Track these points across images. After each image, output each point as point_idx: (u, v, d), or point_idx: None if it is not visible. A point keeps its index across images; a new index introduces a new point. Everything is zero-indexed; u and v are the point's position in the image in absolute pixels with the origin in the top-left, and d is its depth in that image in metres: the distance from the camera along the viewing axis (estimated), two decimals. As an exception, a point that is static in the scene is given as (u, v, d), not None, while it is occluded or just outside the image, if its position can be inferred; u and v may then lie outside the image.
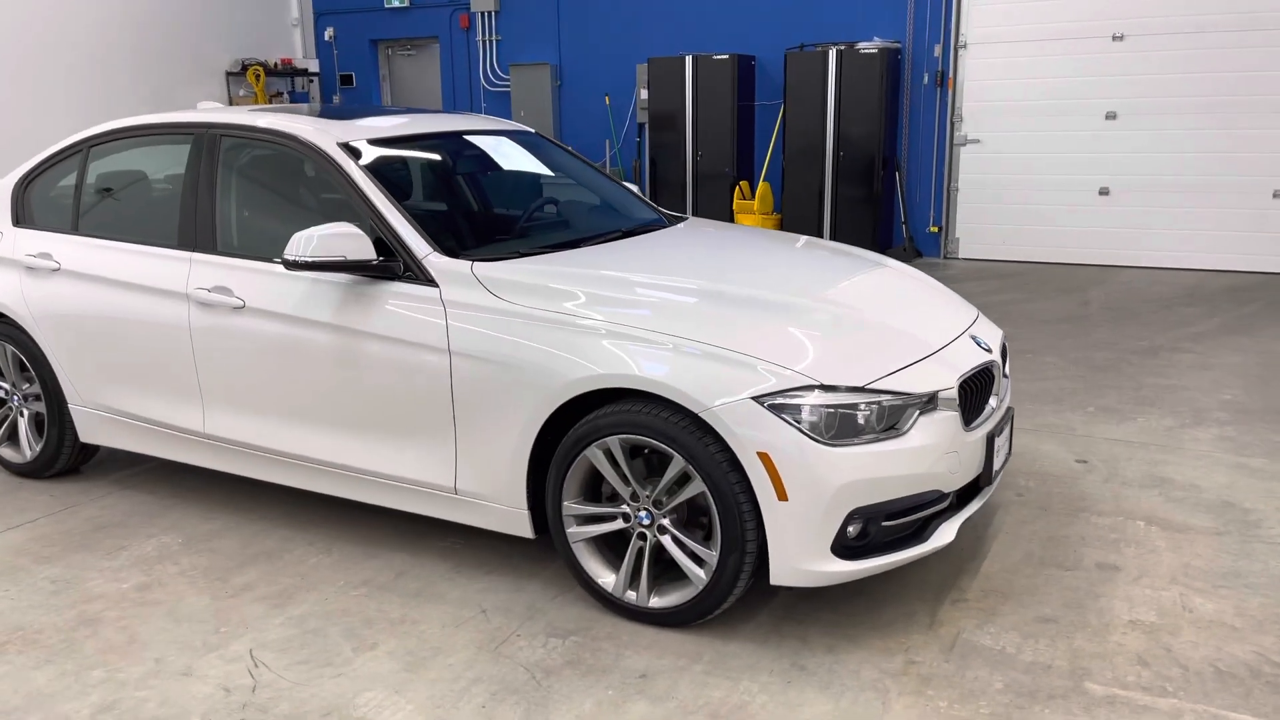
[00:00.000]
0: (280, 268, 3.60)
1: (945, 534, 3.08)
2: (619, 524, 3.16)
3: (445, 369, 3.29)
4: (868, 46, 9.43)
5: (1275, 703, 2.67)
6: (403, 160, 4.07)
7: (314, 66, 12.69)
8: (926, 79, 9.65)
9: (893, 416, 2.93)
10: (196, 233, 3.89)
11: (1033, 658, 2.91)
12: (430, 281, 3.37)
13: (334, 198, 3.73)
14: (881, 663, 2.92)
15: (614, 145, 11.38)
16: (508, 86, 11.82)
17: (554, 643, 3.07)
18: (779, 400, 2.85)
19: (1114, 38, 8.91)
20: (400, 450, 3.47)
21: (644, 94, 10.76)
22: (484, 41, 11.93)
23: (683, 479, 3.01)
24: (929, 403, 3.01)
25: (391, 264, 3.41)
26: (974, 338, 3.40)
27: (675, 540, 3.07)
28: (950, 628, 3.09)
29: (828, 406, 2.85)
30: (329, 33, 12.82)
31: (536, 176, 4.48)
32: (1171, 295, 7.97)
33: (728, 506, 2.91)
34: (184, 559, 3.71)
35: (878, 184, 9.65)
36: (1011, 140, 9.46)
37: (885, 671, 2.88)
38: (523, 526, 3.31)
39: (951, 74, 9.55)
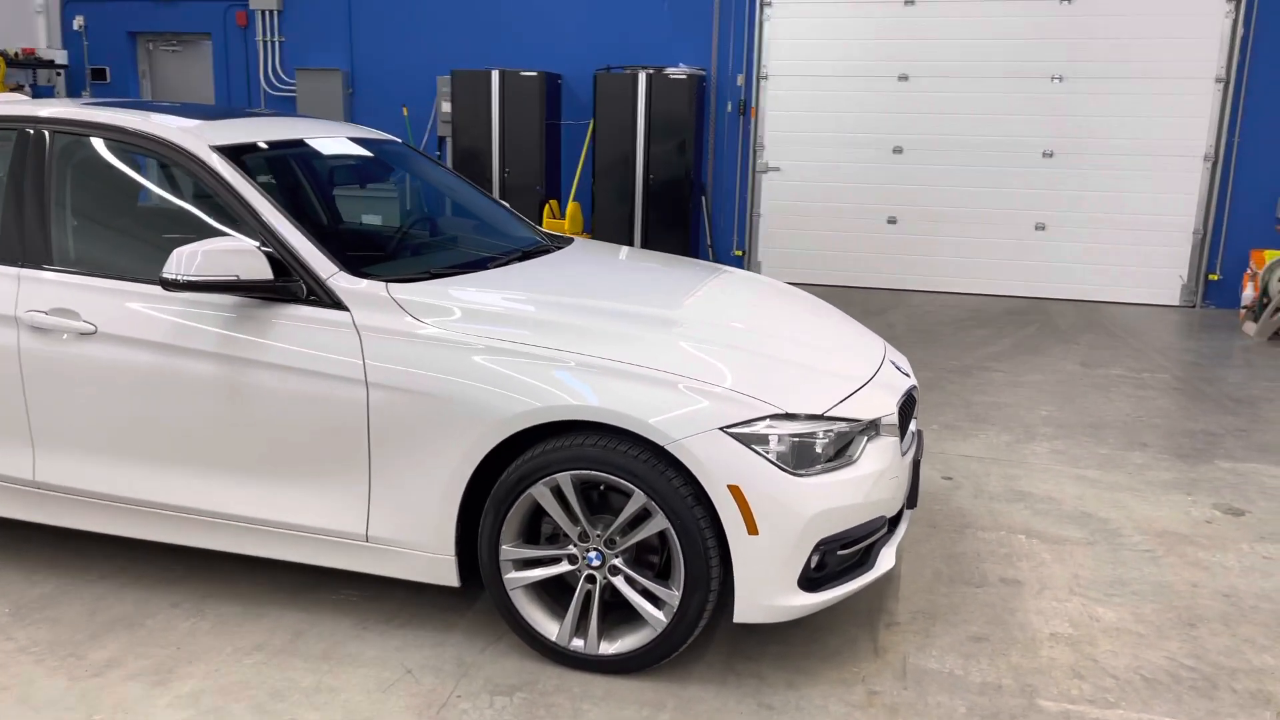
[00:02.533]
0: (146, 288, 3.12)
1: (887, 559, 3.10)
2: (565, 566, 2.94)
3: (359, 403, 2.95)
4: (676, 72, 9.60)
5: (1205, 706, 2.87)
6: (289, 169, 3.65)
7: (61, 58, 11.34)
8: (730, 107, 9.94)
9: (841, 444, 2.91)
10: (25, 245, 3.29)
11: (981, 678, 2.98)
12: (338, 305, 3.02)
13: (192, 207, 3.28)
14: (844, 695, 2.88)
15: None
16: (293, 92, 11.07)
17: (500, 701, 2.81)
18: (747, 430, 2.76)
19: (899, 78, 9.56)
20: (299, 495, 3.07)
21: (446, 107, 10.40)
22: (265, 42, 11.12)
23: (640, 515, 2.84)
24: (873, 429, 3.02)
25: (292, 285, 3.02)
26: (894, 363, 3.46)
27: (629, 581, 2.90)
28: (895, 653, 3.11)
29: (793, 436, 2.79)
30: (78, 21, 11.50)
31: (425, 192, 4.17)
32: (961, 318, 8.61)
33: (693, 543, 2.78)
34: (18, 633, 3.10)
35: (686, 207, 9.82)
36: (810, 169, 9.92)
37: (850, 704, 2.84)
38: (448, 574, 3.02)
39: (754, 103, 9.89)
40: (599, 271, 3.68)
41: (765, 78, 9.85)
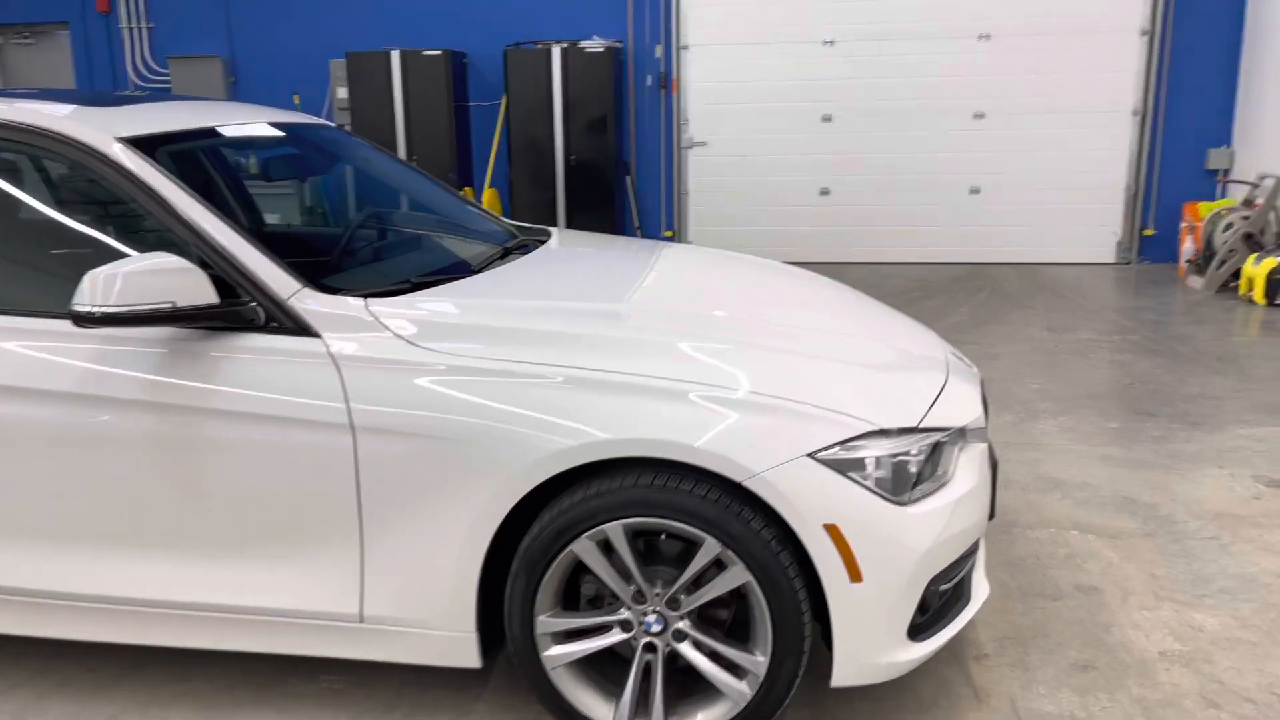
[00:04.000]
0: (42, 323, 2.43)
1: (981, 587, 2.65)
2: (617, 635, 2.39)
3: (344, 453, 2.33)
4: (592, 45, 9.00)
5: (1364, 726, 2.51)
6: (214, 164, 2.96)
7: (-109, 54, 10.04)
8: (650, 80, 9.40)
9: (935, 459, 2.43)
10: (-127, 276, 2.54)
11: (1108, 718, 2.55)
12: (306, 331, 2.38)
13: (97, 218, 2.59)
14: (962, 757, 2.42)
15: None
16: (167, 82, 10.05)
17: (557, 814, 2.25)
18: (841, 455, 2.25)
19: (825, 42, 9.18)
20: (272, 572, 2.44)
21: (342, 92, 9.57)
22: (131, 29, 10.05)
23: (711, 568, 2.31)
24: (960, 436, 2.55)
25: (245, 309, 2.37)
26: (955, 353, 3.00)
27: (697, 646, 2.37)
28: (999, 695, 2.66)
29: (891, 456, 2.30)
30: (-92, 13, 10.21)
31: (373, 185, 3.51)
32: (908, 289, 8.29)
33: (783, 597, 2.26)
34: (-94, 784, 2.39)
35: (610, 188, 9.25)
36: (737, 143, 9.47)
37: (974, 769, 2.38)
38: (468, 655, 2.43)
39: (675, 76, 9.37)
40: (607, 268, 3.11)
41: (685, 48, 9.34)
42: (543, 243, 3.34)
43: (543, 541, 2.32)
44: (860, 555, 2.23)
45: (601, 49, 8.95)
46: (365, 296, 2.46)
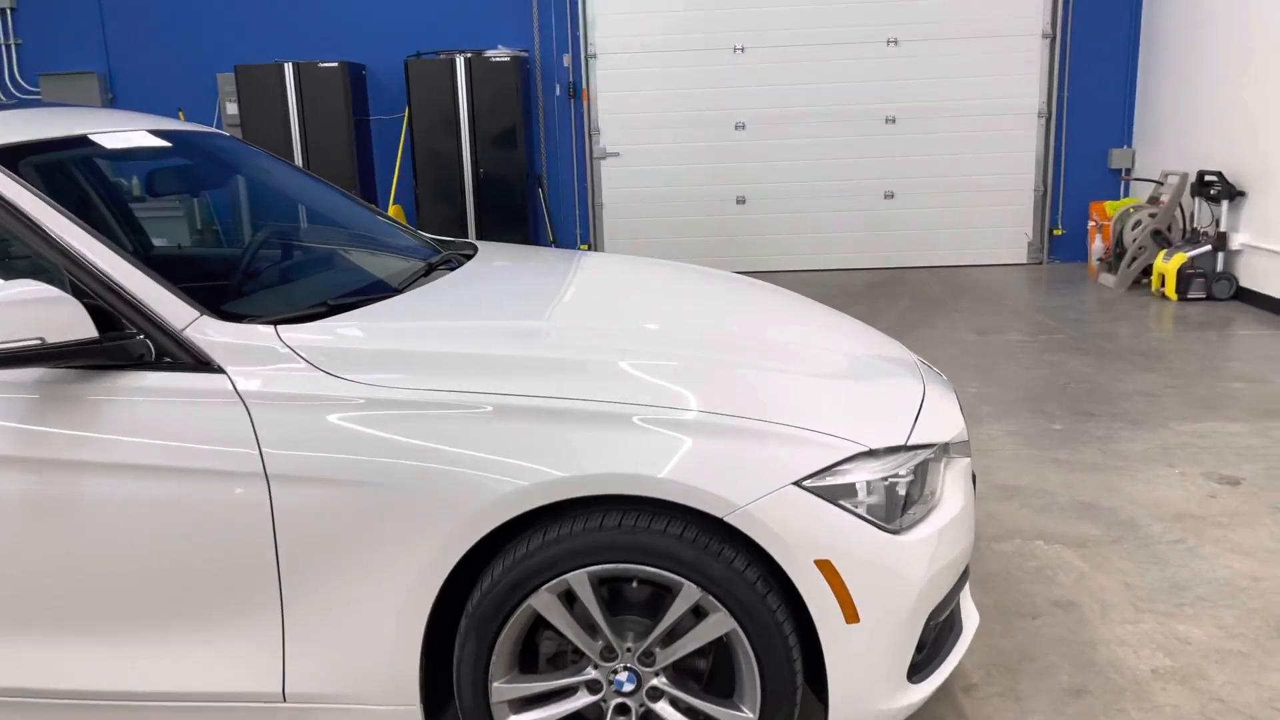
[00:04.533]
0: (-119, 369, 2.03)
1: (971, 614, 2.45)
2: (584, 699, 2.10)
3: (258, 508, 1.99)
4: (497, 54, 8.69)
5: (1376, 739, 2.38)
6: (87, 177, 2.58)
7: None
8: (559, 90, 9.14)
9: (922, 479, 2.21)
10: None
11: (1113, 748, 2.37)
12: (206, 365, 2.04)
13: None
14: (968, 807, 2.20)
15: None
16: (38, 101, 9.35)
17: None
18: (829, 481, 2.01)
19: (735, 50, 9.05)
20: (177, 651, 2.08)
21: (231, 108, 9.05)
22: (-4, 45, 9.34)
23: (690, 615, 2.05)
24: (945, 452, 2.34)
25: (131, 343, 2.02)
26: (920, 360, 2.80)
27: (675, 704, 2.09)
28: (995, 730, 2.45)
29: (882, 479, 2.07)
30: None
31: (272, 198, 3.16)
32: (830, 296, 8.18)
33: (771, 645, 2.01)
34: None
35: (522, 201, 8.94)
36: (651, 153, 9.26)
37: (983, 819, 2.16)
38: (412, 731, 2.11)
39: (585, 85, 9.13)
40: (545, 284, 2.82)
41: (594, 56, 9.10)
42: (469, 257, 3.03)
43: (495, 597, 2.02)
44: (856, 593, 1.99)
45: (507, 58, 8.65)
46: (275, 323, 2.12)
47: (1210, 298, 7.35)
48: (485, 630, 2.04)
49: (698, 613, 2.04)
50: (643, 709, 2.10)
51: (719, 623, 2.01)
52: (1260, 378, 5.34)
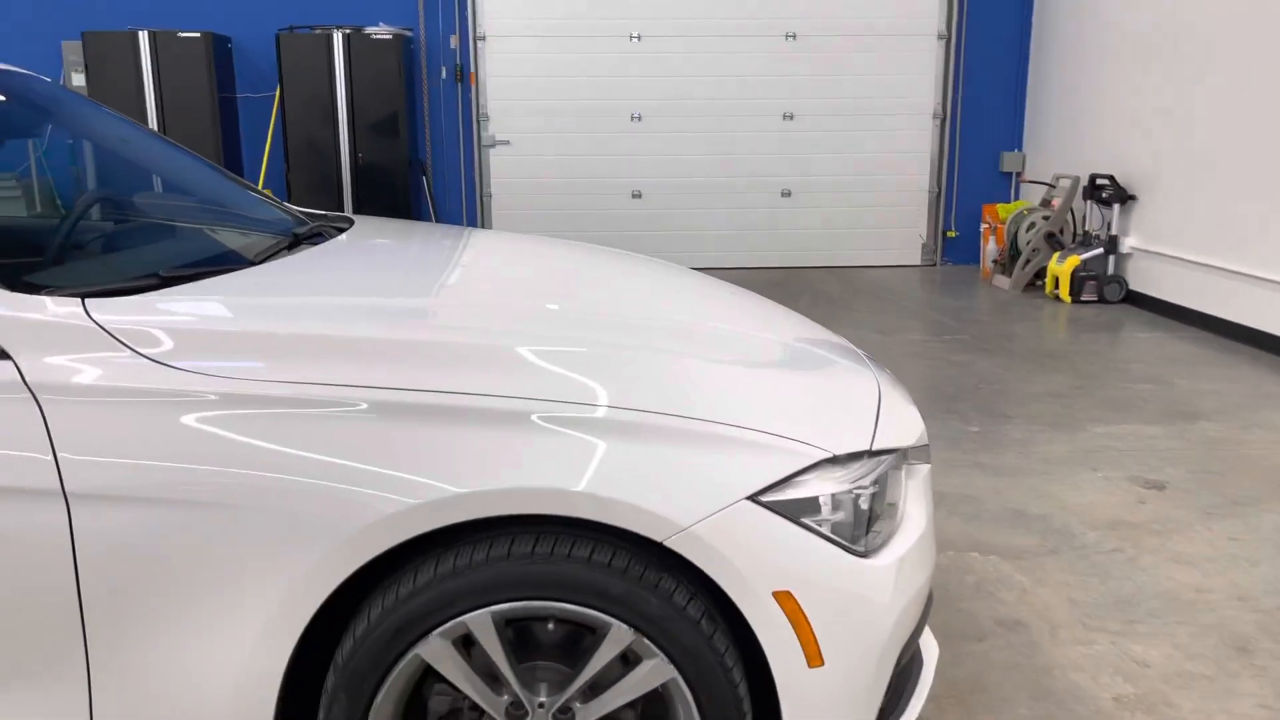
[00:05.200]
0: None
1: (930, 645, 2.14)
2: (485, 768, 1.69)
3: (53, 530, 1.51)
4: (378, 32, 8.11)
5: (1364, 773, 2.16)
6: None
7: None
8: (445, 73, 8.62)
9: (883, 490, 1.88)
10: None
11: (1089, 794, 2.09)
12: (-15, 349, 1.55)
13: None
14: None
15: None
16: None
17: None
18: (789, 494, 1.65)
19: (632, 37, 8.71)
20: (-62, 726, 1.57)
21: (78, 79, 8.21)
22: None
23: (618, 662, 1.66)
24: (904, 459, 2.02)
25: (-126, 319, 1.51)
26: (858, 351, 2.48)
27: (599, 771, 1.70)
28: (956, 776, 2.15)
29: (847, 491, 1.72)
30: None
31: (113, 159, 2.63)
32: (729, 294, 7.92)
33: (718, 697, 1.64)
34: None
35: (405, 189, 8.39)
36: (543, 142, 8.83)
37: None
38: (262, 815, 1.66)
39: (473, 68, 8.63)
40: (430, 259, 2.38)
41: (483, 38, 8.62)
42: (343, 231, 2.57)
43: (373, 646, 1.59)
44: (820, 630, 1.64)
45: (389, 36, 8.08)
46: (82, 296, 1.64)
47: (1102, 300, 7.37)
48: (359, 687, 1.60)
49: (627, 659, 1.66)
50: (557, 778, 1.70)
51: (655, 671, 1.63)
52: (1163, 379, 5.28)
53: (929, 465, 2.10)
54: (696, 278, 2.73)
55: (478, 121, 8.72)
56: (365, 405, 1.56)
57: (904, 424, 2.00)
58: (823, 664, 1.64)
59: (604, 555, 1.59)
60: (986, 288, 8.12)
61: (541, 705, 1.66)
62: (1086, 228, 7.77)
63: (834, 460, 1.72)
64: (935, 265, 9.27)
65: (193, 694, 1.57)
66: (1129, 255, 7.39)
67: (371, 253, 2.36)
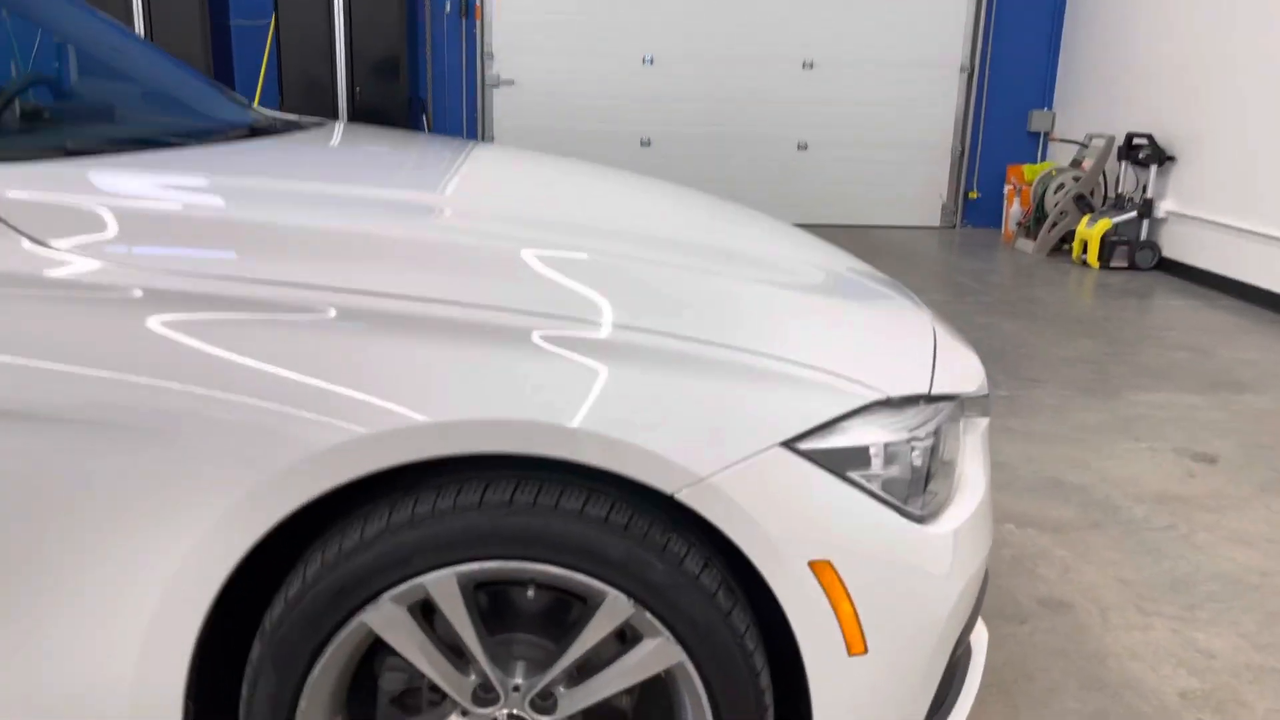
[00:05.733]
0: None
1: (980, 631, 1.83)
2: (446, 762, 1.38)
3: (-95, 457, 1.20)
4: (381, -41, 7.69)
5: None
6: None
7: None
8: (449, 7, 8.20)
9: (940, 444, 1.55)
10: None
11: (1158, 807, 1.79)
12: None
13: None
14: None
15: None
16: None
17: None
18: (833, 441, 1.33)
19: (646, -24, 8.28)
20: None
21: (65, 0, 7.79)
22: None
23: (613, 640, 1.35)
24: (961, 410, 1.69)
25: None
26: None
27: (585, 771, 1.40)
28: (1002, 780, 1.85)
29: (904, 442, 1.40)
30: None
31: (38, 38, 2.29)
32: (739, 248, 7.57)
33: (736, 687, 1.33)
34: None
35: (404, 128, 7.99)
36: (549, 82, 8.42)
37: None
38: (173, 810, 1.36)
39: (478, 2, 8.21)
40: (424, 158, 2.04)
41: (490, -29, 8.19)
42: (315, 127, 2.23)
43: (308, 610, 1.28)
44: (865, 610, 1.32)
45: (392, -36, 7.66)
46: (-41, 162, 1.31)
47: (1133, 266, 7.01)
48: (290, 660, 1.29)
49: (624, 636, 1.35)
50: (533, 776, 1.40)
51: (658, 652, 1.31)
52: (1202, 349, 4.95)
53: (988, 419, 1.78)
54: (729, 203, 2.39)
55: (482, 60, 8.32)
56: (313, 309, 1.24)
57: (964, 368, 1.67)
58: (865, 651, 1.33)
59: (599, 508, 1.27)
60: (1009, 252, 7.76)
61: (517, 689, 1.35)
62: (1119, 190, 7.39)
63: (888, 403, 1.40)
64: (954, 227, 8.90)
65: (83, 656, 1.26)
66: (1164, 219, 7.03)
67: (354, 144, 2.03)
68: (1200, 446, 3.57)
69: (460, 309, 1.26)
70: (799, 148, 8.69)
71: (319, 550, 1.29)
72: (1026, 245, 7.77)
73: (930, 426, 1.45)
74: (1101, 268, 7.05)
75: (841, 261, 1.99)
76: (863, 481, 1.33)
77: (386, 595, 1.28)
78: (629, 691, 1.47)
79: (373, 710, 1.44)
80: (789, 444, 1.29)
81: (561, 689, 1.36)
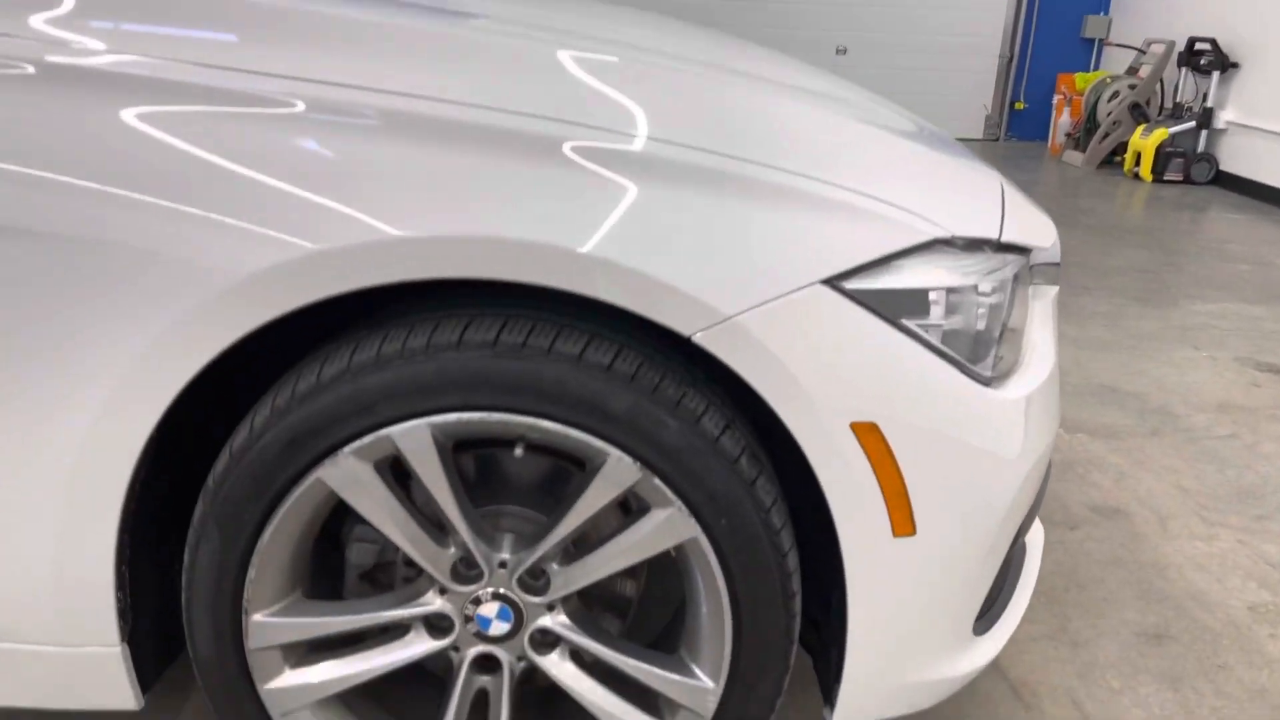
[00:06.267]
0: None
1: (1035, 532, 1.62)
2: (423, 644, 1.20)
3: None
4: None
5: None
6: None
7: None
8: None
9: (1008, 300, 1.31)
10: None
11: (1229, 728, 1.59)
12: None
13: None
14: (1033, 823, 1.40)
15: None
16: None
17: None
18: (885, 281, 1.10)
19: None
20: None
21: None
22: None
23: (616, 510, 1.15)
24: (1029, 273, 1.45)
25: None
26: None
27: (578, 659, 1.21)
28: (1054, 695, 1.65)
29: (970, 288, 1.17)
30: None
31: None
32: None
33: (757, 567, 1.13)
34: None
35: None
36: None
37: (1060, 846, 1.36)
38: (110, 688, 1.19)
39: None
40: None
41: None
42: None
43: (256, 464, 1.08)
44: (916, 483, 1.11)
45: None
46: None
47: (1188, 180, 6.64)
48: (236, 521, 1.10)
49: (629, 507, 1.15)
50: (523, 665, 1.21)
51: (668, 525, 1.11)
52: (1264, 261, 4.64)
53: (1057, 289, 1.54)
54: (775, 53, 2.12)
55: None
56: (283, 103, 1.01)
57: (1036, 223, 1.42)
58: (913, 532, 1.12)
59: (602, 354, 1.06)
60: (1056, 164, 7.39)
61: (503, 565, 1.16)
62: (1177, 99, 6.98)
63: (950, 243, 1.16)
64: (998, 140, 8.51)
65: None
66: (1224, 130, 6.62)
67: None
68: (1266, 357, 3.32)
69: (457, 108, 1.03)
70: (837, 52, 8.28)
71: (270, 396, 1.09)
72: (1075, 158, 7.38)
73: (998, 277, 1.22)
74: (1155, 180, 6.68)
75: (909, 118, 1.73)
76: (920, 331, 1.11)
77: (348, 449, 1.07)
78: (634, 575, 1.29)
79: (339, 588, 1.25)
80: (833, 281, 1.06)
81: (555, 565, 1.16)
